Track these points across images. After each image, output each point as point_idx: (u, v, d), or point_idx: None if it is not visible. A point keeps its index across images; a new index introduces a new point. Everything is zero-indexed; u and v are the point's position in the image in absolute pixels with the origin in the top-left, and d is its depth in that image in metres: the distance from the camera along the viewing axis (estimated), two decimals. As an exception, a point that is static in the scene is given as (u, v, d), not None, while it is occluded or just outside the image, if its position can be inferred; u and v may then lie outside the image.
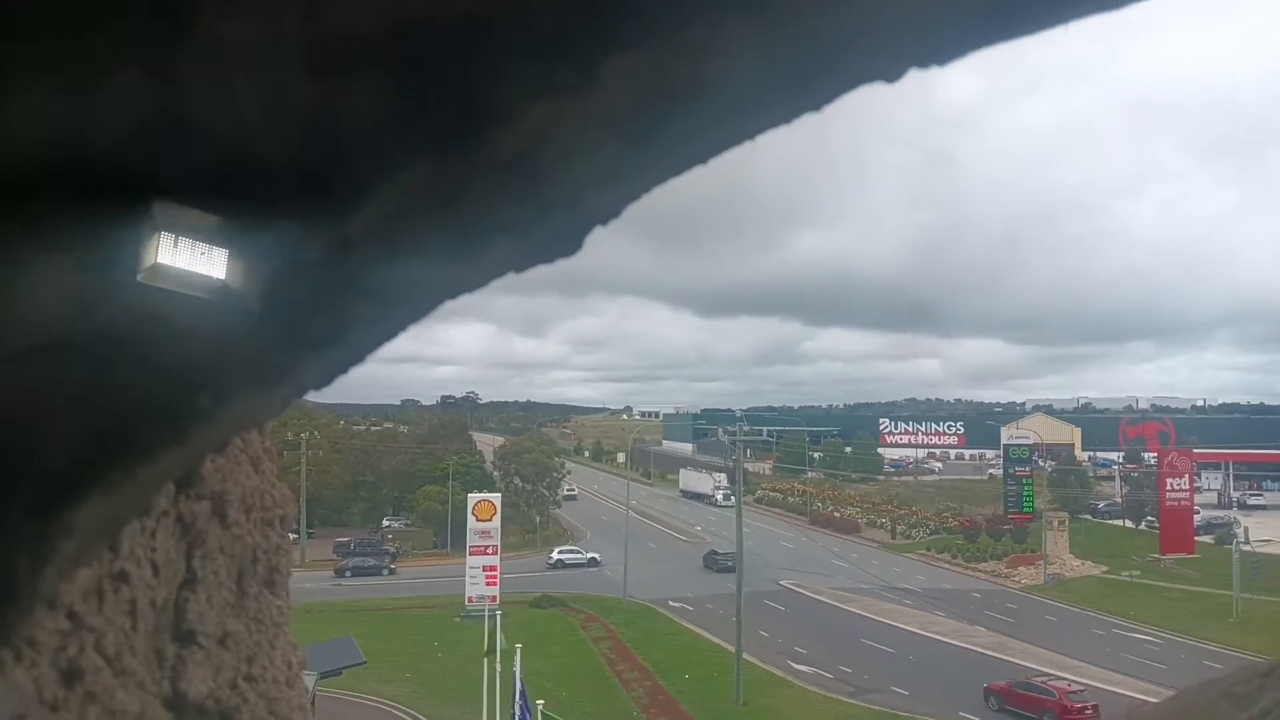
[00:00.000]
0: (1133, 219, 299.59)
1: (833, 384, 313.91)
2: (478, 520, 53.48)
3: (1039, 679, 45.56)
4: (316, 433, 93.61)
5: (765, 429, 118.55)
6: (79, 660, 1.38)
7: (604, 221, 1.07)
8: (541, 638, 52.09)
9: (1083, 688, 44.44)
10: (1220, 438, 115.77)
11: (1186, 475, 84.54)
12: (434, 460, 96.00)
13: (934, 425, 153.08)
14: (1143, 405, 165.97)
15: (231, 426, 1.40)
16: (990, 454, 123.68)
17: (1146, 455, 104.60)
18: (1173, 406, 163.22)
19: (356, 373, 1.24)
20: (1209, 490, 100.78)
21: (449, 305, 1.16)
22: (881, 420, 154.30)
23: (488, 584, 50.25)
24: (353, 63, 0.83)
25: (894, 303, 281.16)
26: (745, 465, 66.67)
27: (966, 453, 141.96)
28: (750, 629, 50.27)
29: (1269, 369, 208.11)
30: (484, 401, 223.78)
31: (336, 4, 0.81)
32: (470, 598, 51.44)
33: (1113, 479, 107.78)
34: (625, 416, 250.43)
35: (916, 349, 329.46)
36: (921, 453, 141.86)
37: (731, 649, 48.41)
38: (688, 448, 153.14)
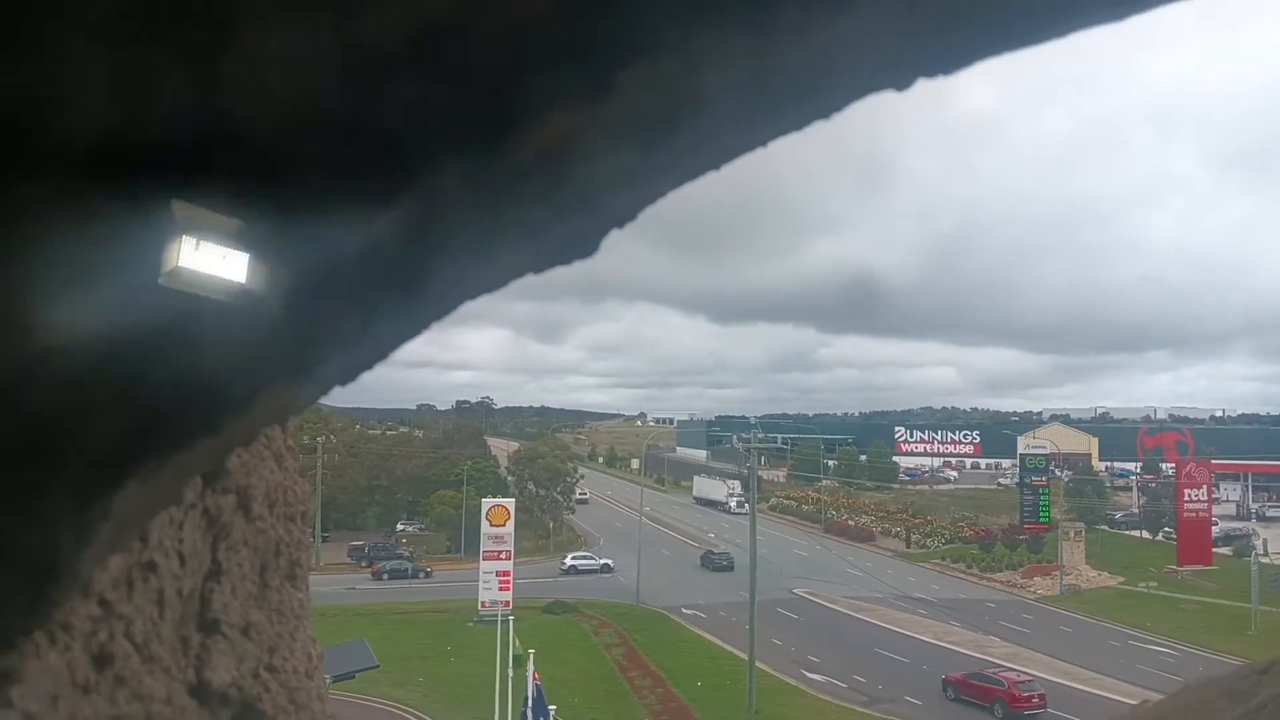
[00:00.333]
0: (1151, 228, 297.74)
1: (848, 391, 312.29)
2: (492, 525, 53.46)
3: (991, 670, 48.42)
4: (332, 436, 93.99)
5: (780, 436, 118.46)
6: (109, 646, 1.43)
7: (620, 224, 1.10)
8: (554, 644, 52.09)
9: (1030, 678, 47.16)
10: (1239, 449, 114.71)
11: (1204, 486, 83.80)
12: (448, 465, 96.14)
13: (950, 434, 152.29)
14: (1161, 415, 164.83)
15: (260, 420, 1.45)
16: (1006, 463, 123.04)
17: (1164, 466, 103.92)
18: (1191, 417, 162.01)
19: (372, 376, 1.29)
20: (1227, 501, 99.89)
21: (466, 308, 1.20)
22: (897, 428, 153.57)
23: (501, 589, 50.22)
24: (382, 71, 0.86)
25: (910, 310, 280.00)
26: (760, 472, 66.60)
27: (982, 462, 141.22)
28: (763, 637, 50.11)
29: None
30: (499, 407, 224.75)
31: (368, 16, 0.83)
32: (484, 603, 51.44)
33: (1130, 489, 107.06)
34: (640, 423, 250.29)
35: (933, 357, 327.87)
36: (937, 461, 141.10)
37: (744, 657, 48.30)
38: (702, 454, 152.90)
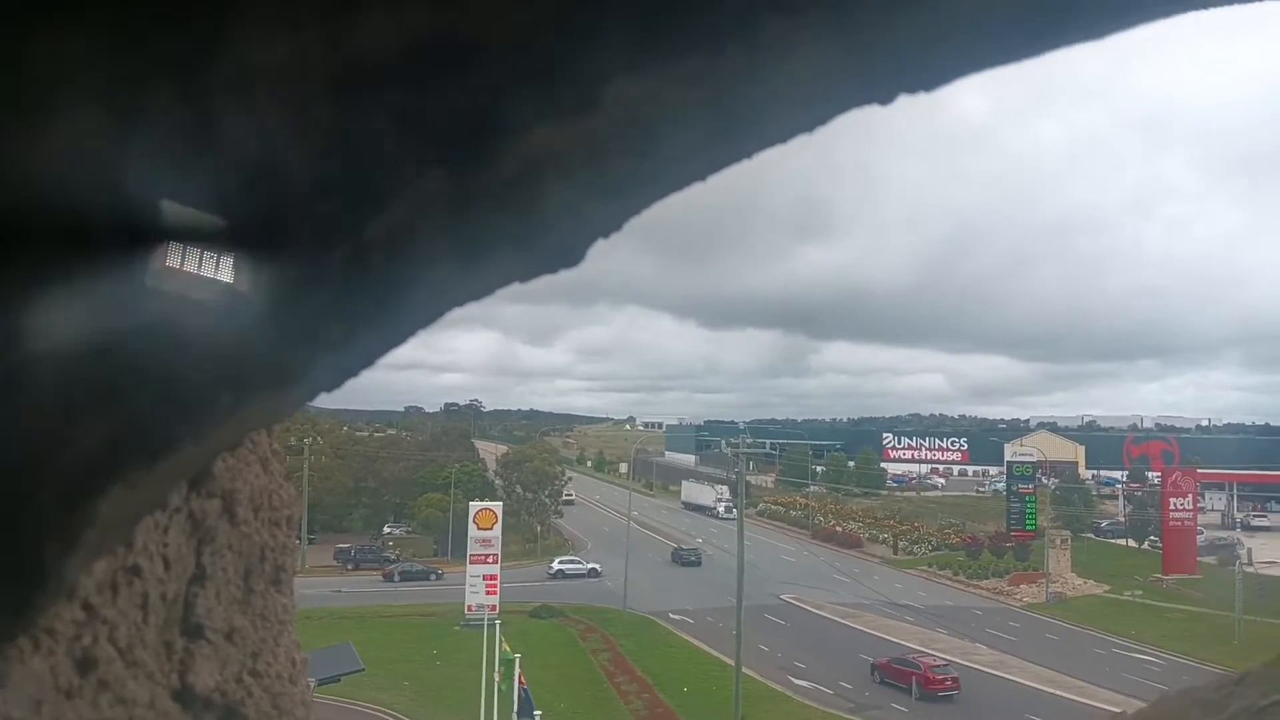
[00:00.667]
0: (1142, 238, 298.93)
1: (837, 398, 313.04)
2: (479, 528, 53.40)
3: (911, 655, 53.57)
4: (319, 438, 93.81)
5: (769, 442, 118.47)
6: (93, 650, 1.43)
7: (605, 234, 1.11)
8: (540, 648, 52.06)
9: (945, 663, 52.26)
10: (1225, 458, 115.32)
11: (1190, 495, 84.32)
12: (436, 467, 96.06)
13: (938, 441, 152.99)
14: (1147, 424, 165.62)
15: (246, 425, 1.45)
16: (994, 470, 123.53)
17: (1150, 474, 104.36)
18: (1177, 426, 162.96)
19: (361, 378, 1.29)
20: (1213, 511, 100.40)
21: (455, 312, 1.21)
22: (885, 435, 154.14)
23: (488, 593, 50.15)
24: (370, 82, 0.87)
25: (900, 317, 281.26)
26: (748, 478, 66.63)
27: (970, 469, 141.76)
28: (750, 643, 50.14)
29: (1276, 390, 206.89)
30: (487, 409, 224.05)
31: (356, 28, 0.85)
32: (470, 606, 51.36)
33: (1116, 498, 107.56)
34: (628, 427, 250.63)
35: (922, 364, 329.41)
36: (925, 468, 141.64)
37: (731, 662, 48.32)
38: (690, 459, 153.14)
